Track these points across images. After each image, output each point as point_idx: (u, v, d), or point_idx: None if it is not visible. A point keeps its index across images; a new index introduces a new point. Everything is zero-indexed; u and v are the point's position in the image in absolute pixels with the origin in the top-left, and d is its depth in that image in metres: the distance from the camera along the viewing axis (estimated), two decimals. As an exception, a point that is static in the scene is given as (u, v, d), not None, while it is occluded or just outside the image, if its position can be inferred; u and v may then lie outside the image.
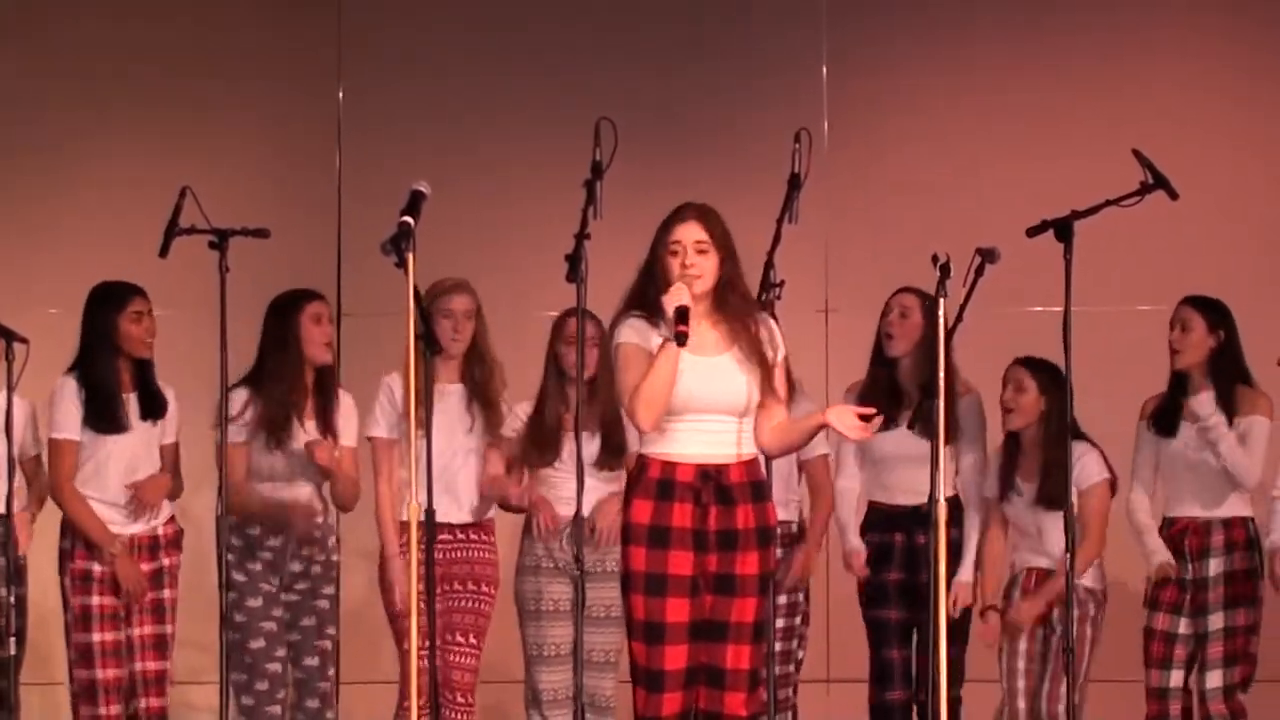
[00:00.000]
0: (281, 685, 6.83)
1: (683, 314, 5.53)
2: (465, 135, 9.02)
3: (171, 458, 6.99)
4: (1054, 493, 6.72)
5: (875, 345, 7.23)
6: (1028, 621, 6.98)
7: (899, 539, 7.14)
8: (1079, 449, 6.82)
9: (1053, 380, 6.85)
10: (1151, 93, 8.97)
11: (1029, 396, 7.02)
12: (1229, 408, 6.96)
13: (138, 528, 6.85)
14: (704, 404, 5.65)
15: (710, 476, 5.67)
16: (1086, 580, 6.91)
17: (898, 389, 7.11)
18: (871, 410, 5.64)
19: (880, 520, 7.20)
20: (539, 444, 7.01)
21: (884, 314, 7.20)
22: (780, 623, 7.09)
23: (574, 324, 6.35)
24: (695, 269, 5.67)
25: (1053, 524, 6.71)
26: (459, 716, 6.80)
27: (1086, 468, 6.94)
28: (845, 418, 5.62)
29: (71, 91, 9.02)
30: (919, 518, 7.00)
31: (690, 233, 5.70)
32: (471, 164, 8.92)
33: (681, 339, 5.52)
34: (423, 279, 5.88)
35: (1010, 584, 7.11)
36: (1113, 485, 7.04)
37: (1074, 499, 6.75)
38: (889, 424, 6.95)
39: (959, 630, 6.99)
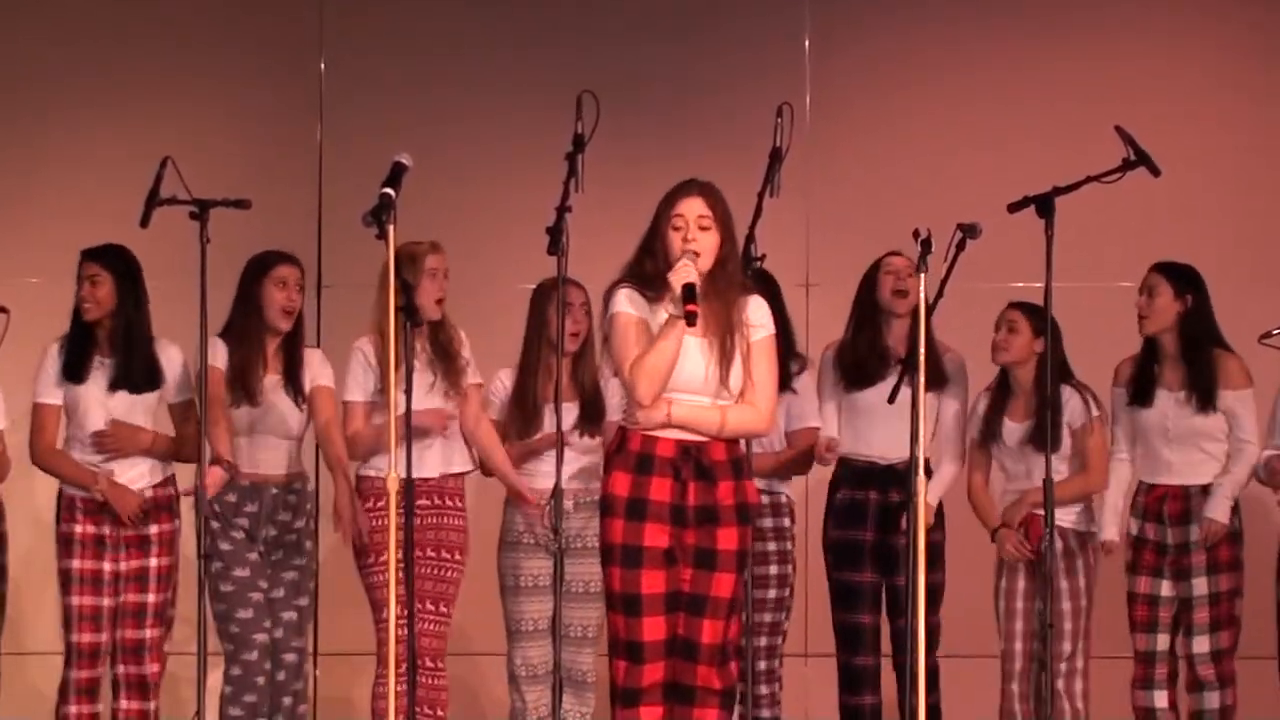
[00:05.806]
0: (269, 655, 6.82)
1: (690, 291, 5.54)
2: (446, 107, 9.00)
3: (181, 416, 6.95)
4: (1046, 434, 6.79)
5: (858, 304, 7.21)
6: (1014, 522, 6.97)
7: (873, 496, 7.10)
8: (1065, 392, 6.95)
9: (1045, 321, 6.89)
10: (1135, 70, 8.96)
11: (1021, 338, 7.03)
12: (1208, 376, 6.96)
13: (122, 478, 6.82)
14: (677, 381, 5.66)
15: (690, 453, 5.69)
16: (1072, 522, 6.93)
17: (884, 349, 7.13)
18: None
19: (852, 476, 7.16)
20: (523, 415, 7.02)
21: (885, 271, 7.17)
22: (771, 594, 7.12)
23: (563, 292, 6.31)
24: (697, 244, 5.67)
25: (1042, 465, 6.72)
26: (430, 681, 6.80)
27: (1075, 410, 7.00)
28: None
29: (53, 62, 8.98)
30: (893, 476, 7.03)
31: (694, 208, 5.71)
32: (453, 136, 8.90)
33: (691, 318, 5.53)
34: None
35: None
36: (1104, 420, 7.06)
37: (1066, 439, 6.92)
38: (874, 380, 7.02)
39: (934, 597, 6.98)
